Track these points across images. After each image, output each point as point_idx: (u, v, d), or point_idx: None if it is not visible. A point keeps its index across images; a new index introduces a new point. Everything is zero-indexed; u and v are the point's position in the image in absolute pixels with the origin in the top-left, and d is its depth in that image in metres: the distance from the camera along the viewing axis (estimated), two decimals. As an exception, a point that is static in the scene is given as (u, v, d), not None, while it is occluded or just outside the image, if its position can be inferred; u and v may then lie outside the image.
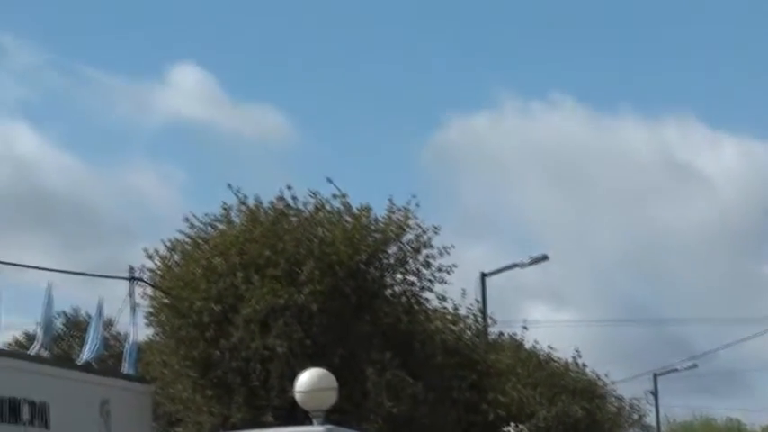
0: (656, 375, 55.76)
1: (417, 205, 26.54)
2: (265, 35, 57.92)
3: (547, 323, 44.47)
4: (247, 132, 55.51)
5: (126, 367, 28.46)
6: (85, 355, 27.21)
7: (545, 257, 34.48)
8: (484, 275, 33.05)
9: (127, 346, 28.19)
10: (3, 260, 24.33)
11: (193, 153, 57.62)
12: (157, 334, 27.63)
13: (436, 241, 26.46)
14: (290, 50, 58.38)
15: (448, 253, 26.60)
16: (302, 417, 14.77)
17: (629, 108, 64.87)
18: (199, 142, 56.23)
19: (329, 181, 26.37)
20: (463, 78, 59.13)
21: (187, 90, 55.21)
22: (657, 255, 57.68)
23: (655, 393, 55.33)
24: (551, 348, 33.57)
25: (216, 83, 56.67)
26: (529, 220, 57.44)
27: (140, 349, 28.57)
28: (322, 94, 57.60)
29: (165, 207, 55.63)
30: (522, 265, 34.43)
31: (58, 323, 38.49)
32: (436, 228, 26.65)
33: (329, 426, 13.76)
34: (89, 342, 26.46)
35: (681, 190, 59.61)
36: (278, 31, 58.35)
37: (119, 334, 34.71)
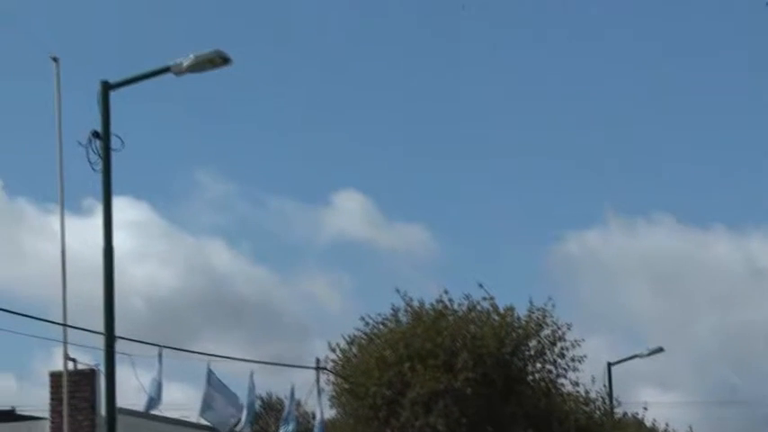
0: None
1: (553, 305, 31.25)
2: (410, 165, 65.07)
3: (660, 404, 48.12)
4: (399, 246, 62.32)
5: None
6: (281, 431, 31.35)
7: (661, 350, 37.59)
8: (610, 365, 36.69)
9: (315, 423, 32.22)
10: (208, 352, 28.34)
11: (357, 264, 65.09)
12: (339, 414, 32.52)
13: (568, 335, 31.24)
14: (432, 176, 65.08)
15: (579, 345, 31.31)
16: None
17: (719, 224, 70.01)
18: (361, 255, 63.33)
19: (480, 286, 31.31)
20: (579, 199, 65.59)
21: (349, 213, 62.61)
22: (749, 345, 61.94)
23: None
24: (668, 426, 37.47)
25: (373, 205, 63.91)
26: (636, 318, 63.02)
27: (326, 427, 32.85)
28: (461, 212, 64.44)
29: (334, 308, 62.66)
30: (641, 356, 37.43)
31: (257, 405, 42.31)
32: (569, 325, 31.36)
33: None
34: (285, 420, 30.54)
35: (765, 291, 64.78)
36: (419, 162, 65.34)
37: (306, 413, 38.63)
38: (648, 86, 69.10)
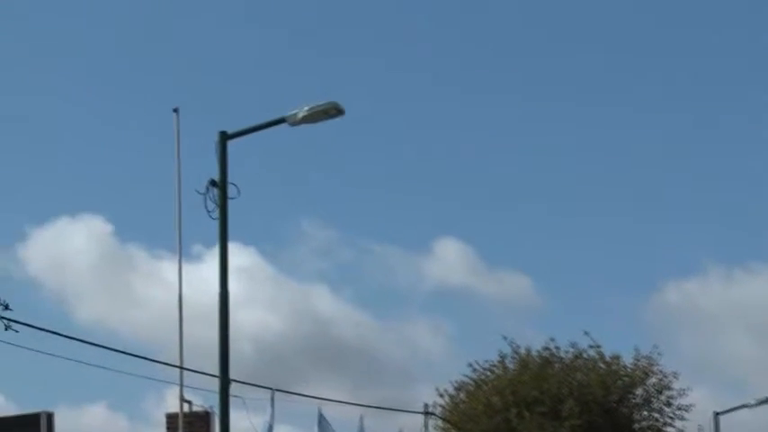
0: None
1: (659, 354, 31.33)
2: (510, 212, 65.99)
3: None
4: (499, 293, 62.92)
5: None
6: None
7: None
8: (717, 414, 36.12)
9: None
10: (318, 396, 28.69)
11: (458, 310, 65.86)
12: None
13: (675, 384, 31.28)
14: (532, 223, 65.72)
15: (686, 394, 31.32)
16: None
17: None
18: (462, 301, 64.12)
19: (585, 333, 31.48)
20: (677, 249, 65.79)
21: (450, 260, 63.79)
22: None
23: None
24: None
25: (473, 253, 64.74)
26: (739, 368, 62.50)
27: None
28: (560, 260, 64.99)
29: (437, 354, 63.44)
30: (749, 406, 36.38)
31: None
32: (675, 373, 31.40)
33: None
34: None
35: None
36: (519, 209, 66.25)
37: None
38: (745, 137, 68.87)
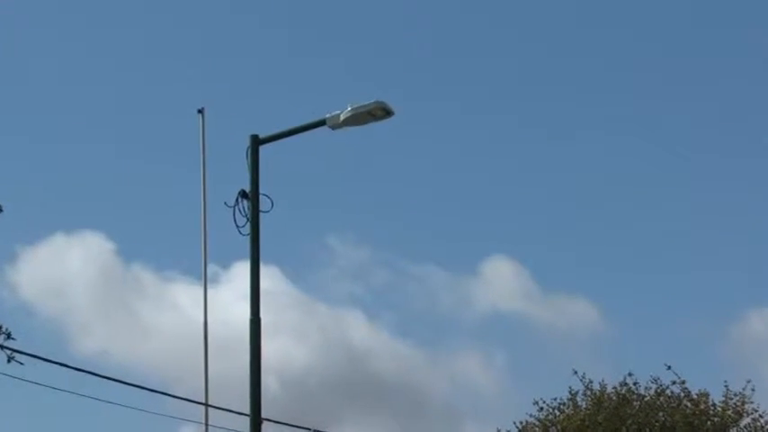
0: None
1: (753, 390, 27.97)
2: (568, 232, 61.80)
3: None
4: (559, 320, 58.71)
5: None
6: None
7: None
8: None
9: None
10: None
11: (511, 340, 61.33)
12: None
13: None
14: (596, 244, 61.61)
15: (786, 437, 27.84)
16: None
17: None
18: (515, 330, 59.82)
19: (668, 367, 28.25)
20: (760, 274, 61.40)
21: (501, 283, 59.24)
22: None
23: None
24: None
25: (527, 275, 60.37)
26: None
27: None
28: (628, 285, 60.66)
29: (488, 389, 59.22)
30: None
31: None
32: (772, 412, 28.00)
33: None
34: None
35: None
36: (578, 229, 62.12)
37: None
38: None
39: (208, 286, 20.72)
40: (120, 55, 60.38)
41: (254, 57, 63.23)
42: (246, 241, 18.02)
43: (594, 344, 57.39)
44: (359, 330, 58.96)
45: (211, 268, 38.08)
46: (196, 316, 21.20)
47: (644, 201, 63.22)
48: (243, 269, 18.35)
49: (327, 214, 59.59)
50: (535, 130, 62.58)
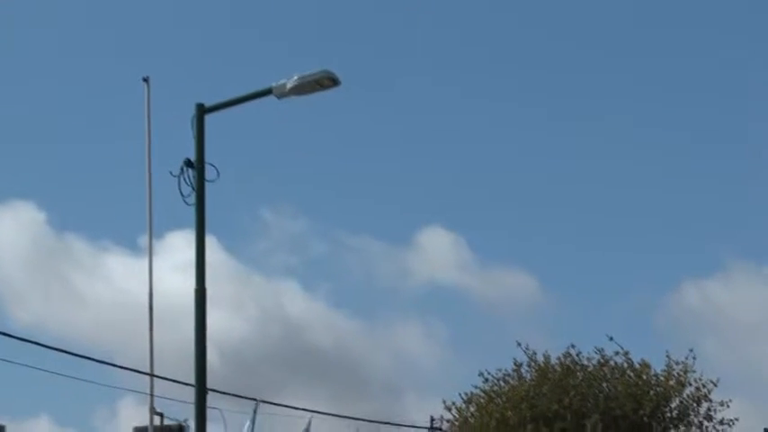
0: None
1: (695, 358, 28.27)
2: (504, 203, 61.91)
3: None
4: (497, 293, 58.77)
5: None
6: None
7: None
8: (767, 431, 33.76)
9: None
10: (309, 409, 26.34)
11: (450, 312, 61.34)
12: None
13: (714, 395, 28.15)
14: (533, 218, 61.71)
15: (728, 406, 28.17)
16: None
17: None
18: (454, 302, 59.96)
19: (610, 338, 28.52)
20: (695, 245, 61.86)
21: (438, 253, 59.16)
22: None
23: None
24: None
25: (465, 245, 60.46)
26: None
27: None
28: (564, 255, 60.92)
29: (428, 360, 59.29)
30: None
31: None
32: (715, 381, 28.31)
33: None
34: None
35: None
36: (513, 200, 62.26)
37: None
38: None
39: (140, 257, 20.51)
40: (64, 24, 59.96)
41: (201, 27, 62.89)
42: (182, 211, 17.95)
43: (534, 316, 57.52)
44: (295, 302, 58.74)
45: (143, 239, 37.80)
46: (131, 287, 21.11)
47: (581, 174, 63.62)
48: (176, 239, 18.30)
49: (265, 185, 59.29)
50: (475, 101, 62.74)
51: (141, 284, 20.56)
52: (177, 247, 17.16)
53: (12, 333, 18.57)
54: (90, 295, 53.81)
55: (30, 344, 19.13)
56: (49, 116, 58.19)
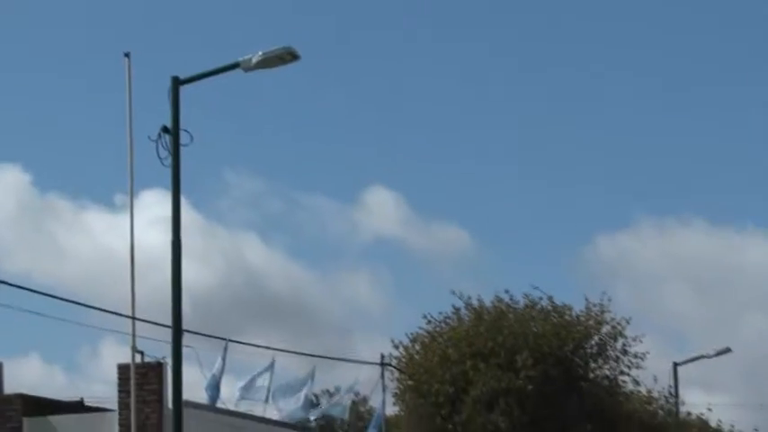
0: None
1: (609, 300, 31.31)
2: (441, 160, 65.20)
3: (722, 405, 47.09)
4: (435, 245, 62.43)
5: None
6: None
7: (728, 350, 35.93)
8: (676, 365, 35.64)
9: (374, 415, 32.23)
10: (273, 347, 28.13)
11: (394, 263, 65.05)
12: (402, 410, 32.83)
13: (628, 331, 31.32)
14: (464, 175, 64.87)
15: (641, 341, 31.30)
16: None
17: (750, 224, 68.59)
18: (397, 254, 63.60)
19: (535, 287, 31.48)
20: (608, 201, 65.34)
21: (382, 210, 62.71)
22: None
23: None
24: (734, 428, 37.44)
25: (405, 203, 64.10)
26: (675, 320, 62.56)
27: (388, 423, 33.10)
28: (493, 211, 64.40)
29: (375, 306, 63.15)
30: (708, 357, 35.98)
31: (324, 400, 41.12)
32: (628, 319, 31.42)
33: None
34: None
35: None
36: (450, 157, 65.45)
37: (371, 408, 38.27)
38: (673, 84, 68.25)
39: (117, 213, 22.09)
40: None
41: (183, 4, 65.30)
42: (152, 172, 20.01)
43: (467, 265, 61.29)
44: (255, 252, 61.77)
45: (119, 197, 40.27)
46: (109, 240, 23.29)
47: (506, 132, 66.80)
48: (150, 197, 20.65)
49: (227, 148, 62.38)
50: (413, 59, 65.49)
51: (118, 238, 22.39)
52: (151, 204, 19.32)
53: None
54: (71, 248, 56.40)
55: (21, 290, 20.97)
56: (37, 88, 60.56)
